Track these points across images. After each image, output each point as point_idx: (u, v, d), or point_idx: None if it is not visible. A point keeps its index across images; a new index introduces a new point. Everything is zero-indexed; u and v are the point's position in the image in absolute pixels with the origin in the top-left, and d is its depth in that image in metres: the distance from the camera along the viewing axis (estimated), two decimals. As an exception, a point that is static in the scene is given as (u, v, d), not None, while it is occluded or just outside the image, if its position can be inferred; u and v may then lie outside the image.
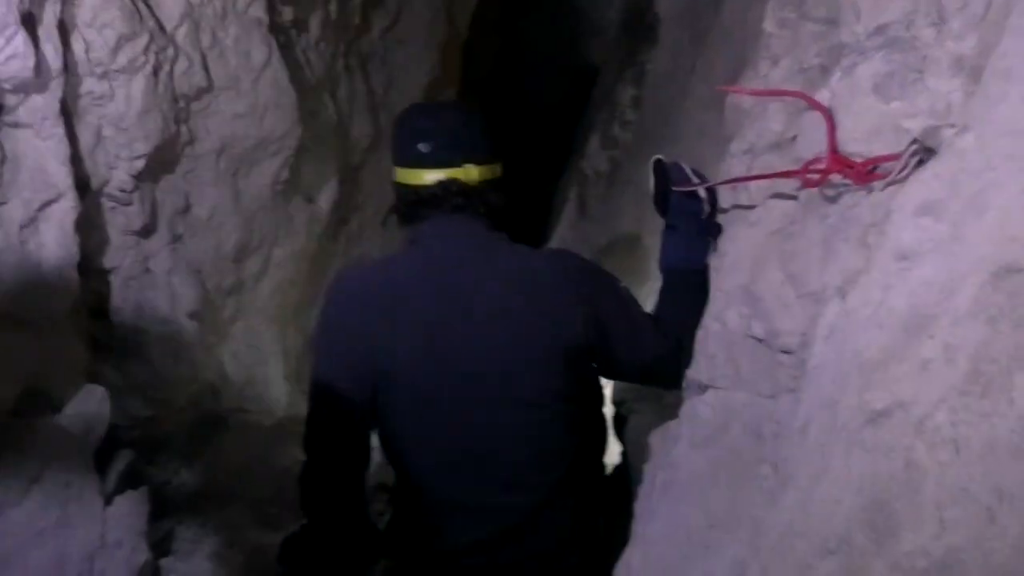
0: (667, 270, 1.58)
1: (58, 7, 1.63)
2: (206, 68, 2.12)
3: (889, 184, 1.15)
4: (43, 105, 1.64)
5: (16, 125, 1.61)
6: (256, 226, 2.57)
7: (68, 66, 1.73)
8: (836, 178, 1.24)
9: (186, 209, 2.26)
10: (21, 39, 1.51)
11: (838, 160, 1.23)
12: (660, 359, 1.49)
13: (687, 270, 1.50)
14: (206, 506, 2.01)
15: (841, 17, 1.45)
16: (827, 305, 1.27)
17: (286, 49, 2.50)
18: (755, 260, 1.55)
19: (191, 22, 2.03)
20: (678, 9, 3.01)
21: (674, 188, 1.53)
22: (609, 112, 4.66)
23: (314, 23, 2.73)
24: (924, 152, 1.09)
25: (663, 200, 1.55)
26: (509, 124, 6.17)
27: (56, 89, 1.66)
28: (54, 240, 1.68)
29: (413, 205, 1.48)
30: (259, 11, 2.23)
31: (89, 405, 1.72)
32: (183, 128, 2.12)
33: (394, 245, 3.99)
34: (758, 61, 1.83)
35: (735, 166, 1.69)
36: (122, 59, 1.82)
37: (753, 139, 1.66)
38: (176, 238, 2.23)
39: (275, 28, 2.37)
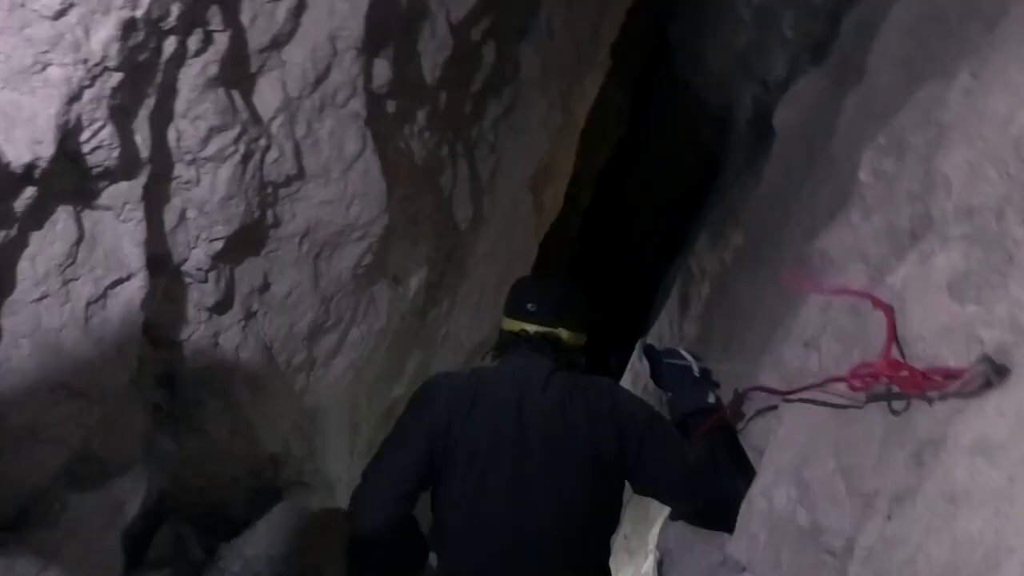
0: (682, 417, 1.91)
1: (152, 101, 1.71)
2: (298, 157, 2.18)
3: (947, 396, 1.01)
4: (127, 190, 1.72)
5: (98, 207, 1.70)
6: (334, 306, 2.60)
7: (159, 152, 1.81)
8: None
9: (264, 287, 2.31)
10: (108, 131, 1.59)
11: (891, 364, 1.10)
12: (692, 470, 1.77)
13: (696, 410, 1.89)
14: (234, 590, 2.00)
15: (933, 186, 1.31)
16: (873, 519, 1.12)
17: (386, 139, 2.55)
18: (810, 440, 1.41)
19: (287, 114, 2.10)
20: (793, 125, 2.87)
21: (665, 360, 2.03)
22: (723, 212, 4.50)
23: (420, 115, 2.78)
24: (993, 373, 0.94)
25: (659, 375, 2.04)
26: (626, 212, 6.09)
27: (142, 176, 1.75)
28: (119, 317, 1.74)
29: (512, 344, 1.91)
30: (358, 106, 2.29)
31: (128, 481, 1.74)
32: (269, 212, 2.18)
33: (481, 327, 3.97)
34: (851, 208, 1.69)
35: (789, 357, 1.54)
36: (212, 148, 1.90)
37: (814, 331, 1.49)
38: (250, 315, 2.28)
39: (374, 119, 2.42)
